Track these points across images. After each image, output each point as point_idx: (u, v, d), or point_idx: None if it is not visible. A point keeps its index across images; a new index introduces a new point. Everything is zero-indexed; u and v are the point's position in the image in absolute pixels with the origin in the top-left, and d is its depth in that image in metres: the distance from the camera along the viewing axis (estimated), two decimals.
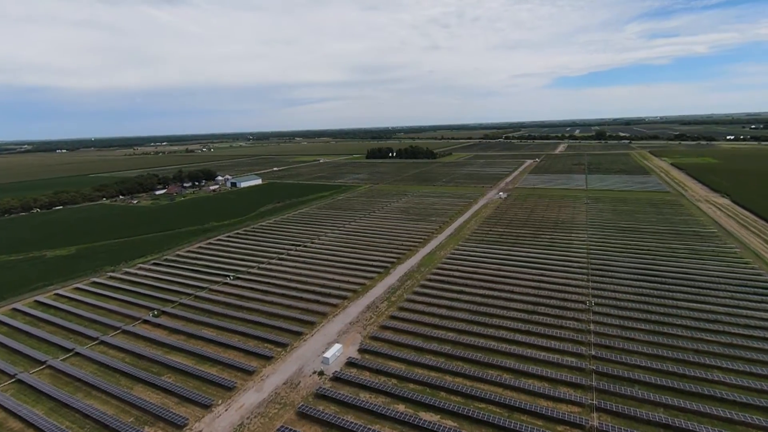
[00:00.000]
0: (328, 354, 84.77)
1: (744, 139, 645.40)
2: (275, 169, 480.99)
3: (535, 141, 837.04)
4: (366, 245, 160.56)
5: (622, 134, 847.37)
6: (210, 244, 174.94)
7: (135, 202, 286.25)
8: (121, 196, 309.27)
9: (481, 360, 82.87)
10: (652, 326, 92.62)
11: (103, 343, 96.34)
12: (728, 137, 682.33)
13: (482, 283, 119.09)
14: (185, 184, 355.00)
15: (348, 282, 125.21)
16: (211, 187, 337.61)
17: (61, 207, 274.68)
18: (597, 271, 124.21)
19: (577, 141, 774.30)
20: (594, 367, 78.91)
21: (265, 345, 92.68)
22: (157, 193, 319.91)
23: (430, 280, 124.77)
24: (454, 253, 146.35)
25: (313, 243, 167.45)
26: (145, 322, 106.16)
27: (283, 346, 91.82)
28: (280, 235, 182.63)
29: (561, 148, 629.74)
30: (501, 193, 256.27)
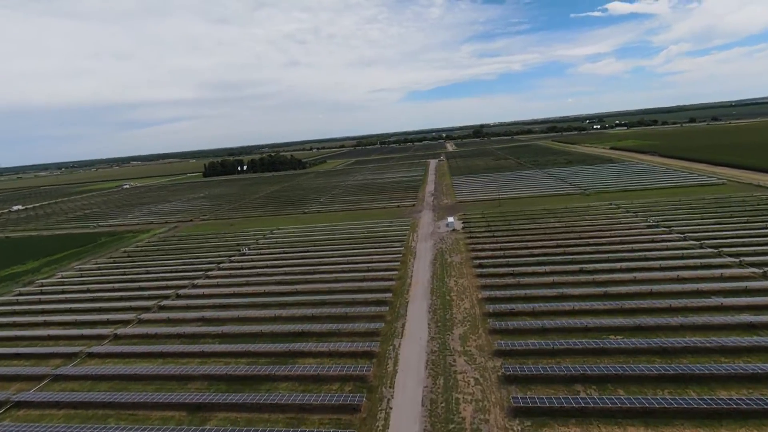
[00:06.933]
0: None
1: (611, 126, 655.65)
2: (17, 208, 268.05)
3: (415, 143, 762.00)
4: None
5: (498, 131, 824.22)
6: None
7: None
8: None
9: None
10: None
11: None
12: (595, 126, 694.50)
13: None
14: None
15: None
16: None
17: None
18: None
19: (461, 140, 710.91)
20: None
21: None
22: None
23: None
24: None
25: None
26: None
27: None
28: None
29: (451, 147, 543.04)
30: (450, 219, 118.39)
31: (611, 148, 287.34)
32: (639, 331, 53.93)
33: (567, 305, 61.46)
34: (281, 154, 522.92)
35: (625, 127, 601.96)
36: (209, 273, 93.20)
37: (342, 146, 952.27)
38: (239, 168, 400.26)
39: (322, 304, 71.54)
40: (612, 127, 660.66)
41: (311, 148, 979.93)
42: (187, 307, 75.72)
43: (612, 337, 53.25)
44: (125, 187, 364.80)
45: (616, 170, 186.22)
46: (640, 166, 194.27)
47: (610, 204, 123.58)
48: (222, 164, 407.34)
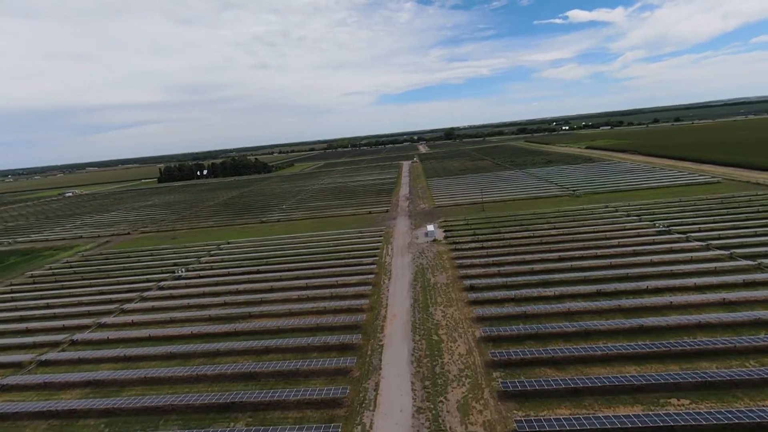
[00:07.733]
0: None
1: (579, 128, 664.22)
2: None
3: (387, 146, 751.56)
4: None
5: (469, 133, 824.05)
6: None
7: None
8: None
9: None
10: None
11: None
12: (564, 128, 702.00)
13: None
14: None
15: None
16: None
17: None
18: None
19: (433, 142, 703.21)
20: None
21: None
22: None
23: None
24: None
25: None
26: None
27: None
28: None
29: (424, 148, 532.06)
30: (429, 227, 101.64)
31: (587, 148, 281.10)
32: (708, 390, 38.30)
33: (597, 349, 45.35)
34: (247, 157, 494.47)
35: (609, 127, 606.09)
36: (125, 307, 72.20)
37: (312, 149, 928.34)
38: (198, 173, 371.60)
39: (266, 352, 52.68)
40: (581, 128, 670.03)
41: (279, 152, 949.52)
42: (78, 362, 54.95)
43: (674, 401, 37.36)
44: (68, 195, 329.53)
45: (600, 169, 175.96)
46: (624, 165, 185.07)
47: (606, 206, 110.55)
48: (179, 169, 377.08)
